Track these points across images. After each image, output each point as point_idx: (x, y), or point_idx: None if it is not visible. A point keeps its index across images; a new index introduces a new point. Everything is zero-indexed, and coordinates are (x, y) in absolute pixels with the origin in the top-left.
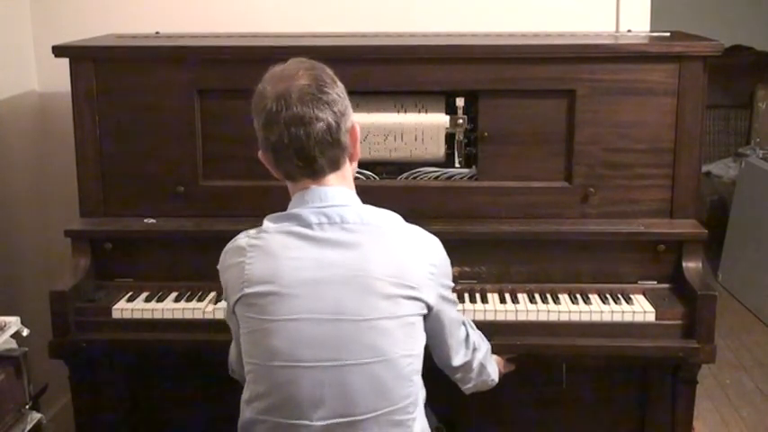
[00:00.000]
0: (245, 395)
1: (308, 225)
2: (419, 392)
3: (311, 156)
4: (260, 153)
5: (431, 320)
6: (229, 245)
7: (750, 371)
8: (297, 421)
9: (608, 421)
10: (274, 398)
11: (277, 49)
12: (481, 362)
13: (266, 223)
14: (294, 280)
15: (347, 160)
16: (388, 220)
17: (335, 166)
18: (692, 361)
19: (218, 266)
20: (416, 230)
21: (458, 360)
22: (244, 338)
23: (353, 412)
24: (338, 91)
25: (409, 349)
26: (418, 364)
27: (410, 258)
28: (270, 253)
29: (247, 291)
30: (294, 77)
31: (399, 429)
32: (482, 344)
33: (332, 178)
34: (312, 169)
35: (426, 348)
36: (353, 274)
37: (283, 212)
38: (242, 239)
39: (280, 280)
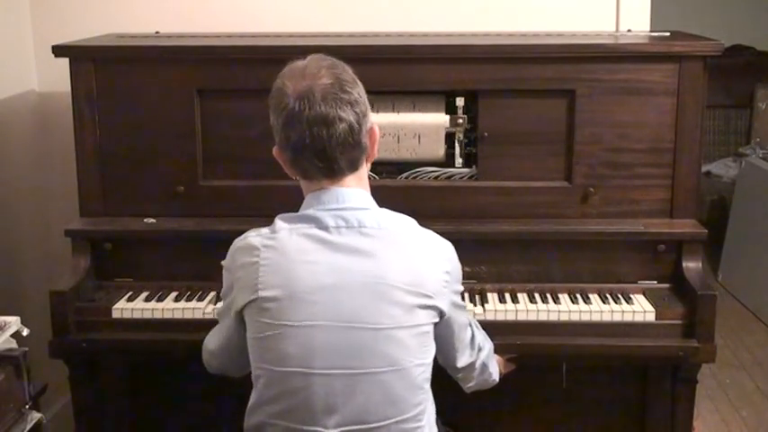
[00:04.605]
0: (253, 398)
1: (326, 228)
2: (428, 399)
3: (332, 157)
4: (275, 150)
5: (441, 326)
6: (239, 242)
7: (750, 371)
8: (311, 428)
9: (608, 421)
10: (287, 403)
11: (277, 48)
12: (484, 361)
13: (279, 223)
14: (311, 285)
15: (365, 161)
16: (404, 225)
17: (354, 167)
18: (692, 361)
19: (225, 263)
20: (431, 236)
21: (462, 361)
22: (253, 342)
23: (366, 420)
24: (359, 91)
25: (422, 358)
26: (429, 372)
27: (426, 266)
28: (285, 256)
29: (262, 294)
30: (316, 76)
31: None
32: (486, 343)
33: (350, 179)
34: (331, 170)
35: None
36: (371, 281)
37: (298, 213)
38: (254, 238)
39: (296, 285)
